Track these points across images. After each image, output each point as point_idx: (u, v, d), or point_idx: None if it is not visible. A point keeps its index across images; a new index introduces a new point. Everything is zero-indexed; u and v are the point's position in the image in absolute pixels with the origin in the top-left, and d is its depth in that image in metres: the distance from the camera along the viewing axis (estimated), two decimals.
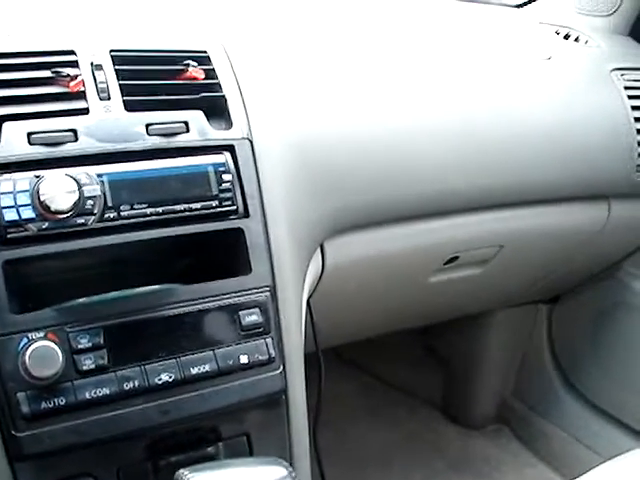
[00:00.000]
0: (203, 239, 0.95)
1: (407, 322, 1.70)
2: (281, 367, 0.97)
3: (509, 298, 1.85)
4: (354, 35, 1.31)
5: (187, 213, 0.93)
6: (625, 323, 1.78)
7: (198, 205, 0.93)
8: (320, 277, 1.17)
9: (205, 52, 1.03)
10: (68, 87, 0.92)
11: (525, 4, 1.83)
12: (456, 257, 1.39)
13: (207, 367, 0.91)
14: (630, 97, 1.54)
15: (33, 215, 0.84)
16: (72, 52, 0.95)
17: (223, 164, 0.96)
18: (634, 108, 1.54)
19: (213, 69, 1.02)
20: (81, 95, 0.92)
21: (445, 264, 1.39)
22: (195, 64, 1.01)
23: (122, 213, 0.89)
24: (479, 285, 1.56)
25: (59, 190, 0.84)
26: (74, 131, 0.89)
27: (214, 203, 0.94)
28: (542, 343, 2.00)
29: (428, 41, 1.41)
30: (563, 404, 1.95)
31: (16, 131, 0.87)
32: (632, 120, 1.52)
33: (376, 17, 1.48)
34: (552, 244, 1.56)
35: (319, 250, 1.14)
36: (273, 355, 0.96)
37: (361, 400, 2.10)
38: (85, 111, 0.91)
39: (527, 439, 2.03)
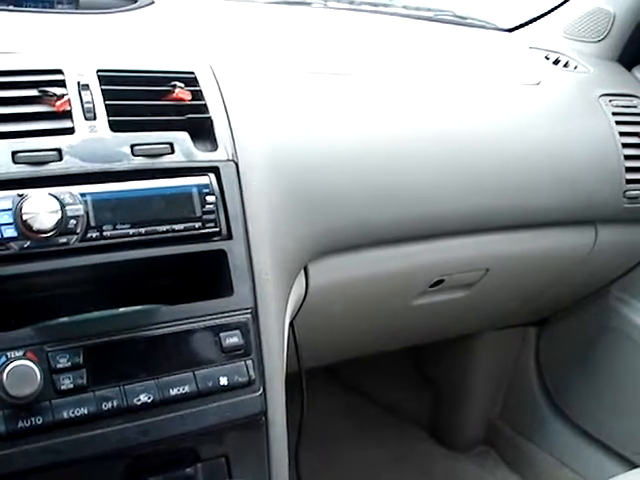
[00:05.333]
0: (186, 260, 0.95)
1: (392, 343, 1.70)
2: (261, 389, 0.97)
3: (496, 321, 1.85)
4: (342, 58, 1.32)
5: (170, 234, 0.93)
6: (612, 347, 1.79)
7: (181, 226, 0.94)
8: (304, 299, 1.17)
9: (192, 73, 1.04)
10: (54, 106, 0.92)
11: (516, 28, 1.85)
12: (441, 280, 1.39)
13: (186, 388, 0.91)
14: (618, 123, 1.56)
15: (15, 234, 0.84)
16: (59, 71, 0.96)
17: (207, 186, 0.96)
18: (622, 134, 1.55)
19: (200, 90, 1.02)
20: (67, 115, 0.92)
21: (430, 287, 1.39)
22: (182, 85, 1.01)
23: (105, 233, 0.89)
24: (465, 308, 1.57)
25: (42, 209, 0.84)
26: (59, 150, 0.89)
27: (197, 224, 0.95)
28: (529, 366, 2.00)
29: (417, 64, 1.42)
30: (550, 427, 1.95)
31: (1, 149, 0.87)
32: (620, 146, 1.54)
33: (366, 39, 1.49)
34: (539, 268, 1.56)
35: (303, 272, 1.14)
36: (253, 377, 0.96)
37: (348, 419, 2.09)
38: (70, 131, 0.91)
39: (514, 462, 2.03)
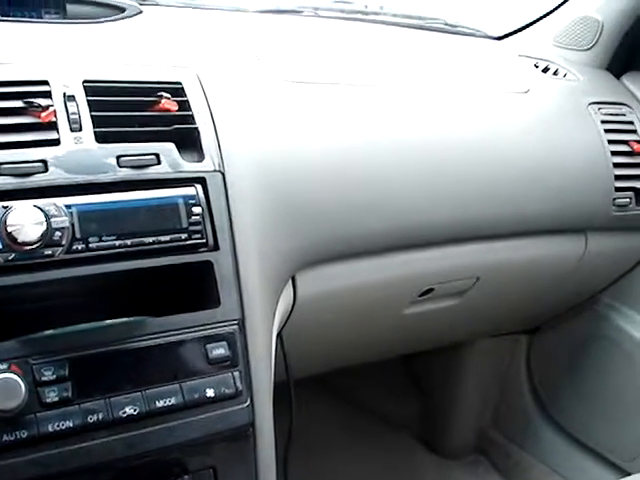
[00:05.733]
0: (172, 271, 0.95)
1: (383, 353, 1.70)
2: (248, 400, 0.97)
3: (488, 329, 1.85)
4: (331, 68, 1.31)
5: (156, 246, 0.93)
6: (602, 355, 1.79)
7: (167, 238, 0.93)
8: (292, 309, 1.16)
9: (179, 83, 1.04)
10: (39, 118, 0.92)
11: (506, 36, 1.85)
12: (432, 289, 1.39)
13: (173, 400, 0.90)
14: (607, 131, 1.56)
15: (0, 246, 0.84)
16: (45, 82, 0.95)
17: (194, 197, 0.96)
18: (610, 142, 1.55)
19: (187, 101, 1.02)
20: (52, 126, 0.92)
21: (420, 296, 1.39)
22: (168, 96, 1.01)
23: (90, 245, 0.89)
24: (456, 316, 1.57)
25: (27, 221, 0.84)
26: (44, 162, 0.89)
27: (183, 236, 0.94)
28: (521, 374, 2.00)
29: (407, 73, 1.41)
30: (541, 435, 1.95)
31: None
32: (609, 154, 1.54)
33: (356, 48, 1.49)
34: (529, 276, 1.56)
35: (290, 282, 1.14)
36: (240, 388, 0.95)
37: (339, 429, 2.08)
38: (56, 142, 0.91)
39: (505, 470, 2.02)
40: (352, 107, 1.23)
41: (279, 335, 1.18)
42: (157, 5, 1.39)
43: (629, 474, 1.70)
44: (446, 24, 1.85)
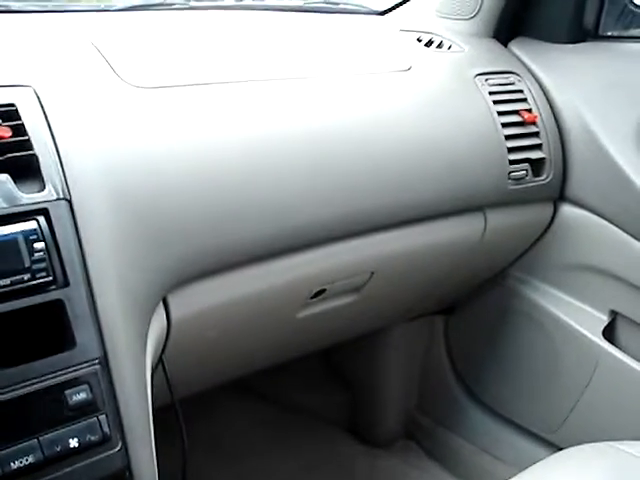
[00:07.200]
0: (19, 316, 0.86)
1: (285, 355, 1.63)
2: (120, 444, 0.89)
3: (395, 317, 1.80)
4: (196, 66, 1.23)
5: None
6: (517, 329, 1.76)
7: (7, 281, 0.85)
8: (168, 332, 1.09)
9: (12, 105, 0.94)
10: None
11: (388, 11, 1.78)
12: (323, 290, 1.33)
13: (30, 458, 0.82)
14: (496, 102, 1.51)
15: None
16: None
17: (34, 231, 0.88)
18: (501, 113, 1.51)
19: (21, 125, 0.93)
20: None
21: (312, 298, 1.33)
22: None
23: None
24: (357, 311, 1.51)
25: None
26: None
27: (26, 276, 0.86)
28: (441, 355, 1.96)
29: (282, 62, 1.34)
30: (467, 415, 1.92)
31: None
32: (499, 127, 1.49)
33: (230, 40, 1.41)
34: (430, 262, 1.51)
35: (162, 305, 1.06)
36: (108, 433, 0.88)
37: (263, 432, 2.03)
38: None
39: (434, 453, 1.99)
40: (219, 108, 1.15)
41: (160, 359, 1.11)
42: None
43: (557, 446, 1.69)
44: (327, 2, 1.78)
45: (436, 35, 1.63)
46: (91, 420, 0.87)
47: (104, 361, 0.90)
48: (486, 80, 1.53)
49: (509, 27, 1.71)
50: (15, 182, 0.89)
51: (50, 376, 0.86)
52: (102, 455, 0.88)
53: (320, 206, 1.21)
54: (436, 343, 1.97)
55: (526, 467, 1.17)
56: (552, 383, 1.70)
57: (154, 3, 1.58)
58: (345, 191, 1.24)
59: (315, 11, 1.72)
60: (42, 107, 0.97)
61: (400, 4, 1.77)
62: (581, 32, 1.70)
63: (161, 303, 1.05)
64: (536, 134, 1.55)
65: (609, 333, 1.61)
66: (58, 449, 0.84)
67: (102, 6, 1.52)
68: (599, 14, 1.69)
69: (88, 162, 0.96)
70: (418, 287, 1.63)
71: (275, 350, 1.50)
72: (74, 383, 0.87)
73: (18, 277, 0.85)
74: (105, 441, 0.88)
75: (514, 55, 1.67)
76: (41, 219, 0.89)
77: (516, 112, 1.53)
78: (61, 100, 1.00)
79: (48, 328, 0.88)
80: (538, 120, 1.55)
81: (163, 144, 1.05)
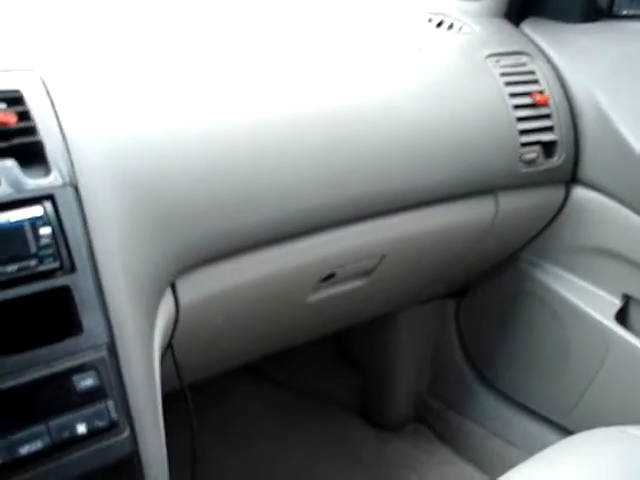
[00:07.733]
0: (27, 302, 0.86)
1: (295, 339, 1.63)
2: (127, 430, 0.89)
3: (405, 301, 1.80)
4: (203, 43, 1.22)
5: (2, 278, 0.84)
6: (527, 312, 1.75)
7: (14, 267, 0.84)
8: (177, 318, 1.08)
9: (17, 91, 0.94)
10: None
11: None
12: (333, 273, 1.32)
13: (39, 444, 0.82)
14: (507, 84, 1.49)
15: None
16: None
17: (41, 217, 0.87)
18: (512, 95, 1.49)
19: (27, 111, 0.92)
20: None
21: (322, 281, 1.32)
22: (3, 107, 0.91)
23: None
24: (366, 295, 1.50)
25: None
26: None
27: (33, 262, 0.86)
28: (452, 339, 1.96)
29: (289, 39, 1.33)
30: (478, 399, 1.92)
31: None
32: (511, 108, 1.47)
33: (231, 11, 1.40)
34: (441, 245, 1.50)
35: (170, 290, 1.05)
36: (116, 419, 0.88)
37: (274, 416, 2.03)
38: None
39: (445, 437, 1.99)
40: (227, 89, 1.14)
41: (169, 345, 1.11)
42: None
43: (568, 430, 1.68)
44: None
45: (447, 16, 1.61)
46: (99, 406, 0.87)
47: (111, 347, 0.90)
48: (497, 61, 1.51)
49: (521, 7, 1.69)
50: (21, 168, 0.89)
51: (57, 362, 0.86)
52: (110, 441, 0.88)
53: (330, 189, 1.19)
54: (447, 326, 1.96)
55: (537, 451, 1.17)
56: (564, 367, 1.69)
57: None
58: (355, 174, 1.23)
59: None
60: (48, 92, 0.96)
61: None
62: (595, 11, 1.67)
63: (169, 288, 1.05)
64: (548, 116, 1.53)
65: (621, 317, 1.60)
66: (66, 435, 0.84)
67: None
68: None
69: (94, 148, 0.95)
70: (429, 270, 1.62)
71: (285, 334, 1.50)
72: (81, 369, 0.87)
73: (25, 263, 0.85)
74: (113, 427, 0.88)
75: (526, 35, 1.64)
76: (47, 205, 0.88)
77: (528, 94, 1.51)
78: (69, 88, 0.99)
79: (55, 314, 0.88)
80: (550, 102, 1.53)
81: (169, 127, 1.04)
